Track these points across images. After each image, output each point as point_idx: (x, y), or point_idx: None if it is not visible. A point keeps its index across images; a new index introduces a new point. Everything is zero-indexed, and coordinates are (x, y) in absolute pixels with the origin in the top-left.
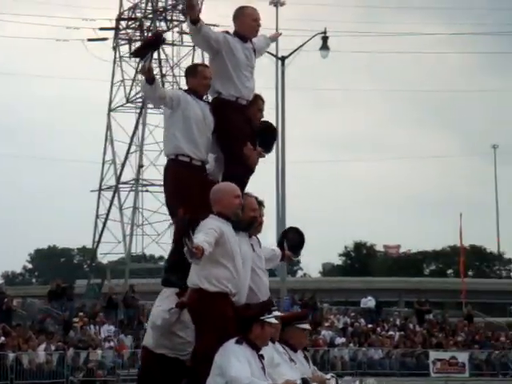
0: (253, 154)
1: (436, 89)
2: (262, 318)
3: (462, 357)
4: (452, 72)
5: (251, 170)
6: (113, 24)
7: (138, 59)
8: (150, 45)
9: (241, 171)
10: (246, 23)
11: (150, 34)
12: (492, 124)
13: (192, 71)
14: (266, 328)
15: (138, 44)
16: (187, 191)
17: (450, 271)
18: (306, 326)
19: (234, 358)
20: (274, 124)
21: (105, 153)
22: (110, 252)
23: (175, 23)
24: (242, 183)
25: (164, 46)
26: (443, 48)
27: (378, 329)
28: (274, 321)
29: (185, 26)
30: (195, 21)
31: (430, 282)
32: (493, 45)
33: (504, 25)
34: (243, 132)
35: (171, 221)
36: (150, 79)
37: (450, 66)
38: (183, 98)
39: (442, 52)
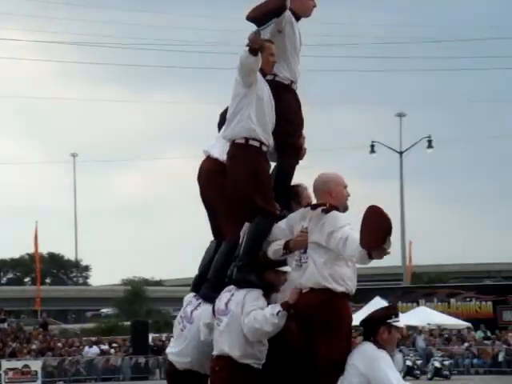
0: (304, 145)
1: (12, 95)
2: (388, 321)
3: (35, 365)
4: (30, 79)
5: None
6: None
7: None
8: (274, 12)
9: (295, 161)
10: (305, 2)
11: None
12: (72, 132)
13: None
14: (393, 332)
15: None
16: (266, 181)
17: (27, 279)
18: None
19: (388, 368)
20: None
21: None
22: None
23: None
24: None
25: None
26: (21, 54)
27: None
28: (400, 324)
29: None
30: (256, 52)
31: (7, 290)
32: (70, 54)
33: (81, 35)
34: (299, 119)
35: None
36: (257, 50)
37: (27, 73)
38: (258, 75)
39: (20, 58)
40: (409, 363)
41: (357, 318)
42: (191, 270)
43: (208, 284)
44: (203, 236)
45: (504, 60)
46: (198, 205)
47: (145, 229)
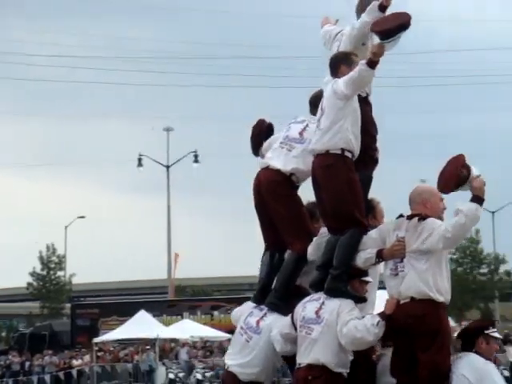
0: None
1: None
2: (486, 331)
3: None
4: None
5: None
6: None
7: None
8: (403, 27)
9: (372, 174)
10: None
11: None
12: None
13: (347, 59)
14: (491, 343)
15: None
16: (360, 193)
17: None
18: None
19: (500, 381)
20: None
21: None
22: None
23: None
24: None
25: None
26: None
27: None
28: (498, 335)
29: None
30: (375, 66)
31: None
32: None
33: None
34: (376, 132)
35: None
36: (375, 63)
37: None
38: None
39: None
40: (171, 376)
41: (121, 331)
42: None
43: (276, 294)
44: None
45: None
46: None
47: None
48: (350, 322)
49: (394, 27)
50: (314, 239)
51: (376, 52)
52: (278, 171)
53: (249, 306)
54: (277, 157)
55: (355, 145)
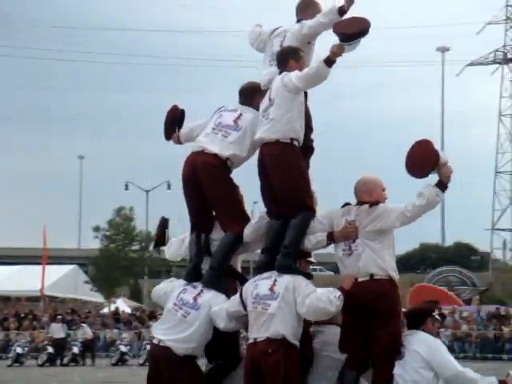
0: None
1: None
2: (433, 314)
3: None
4: None
5: None
6: None
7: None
8: (364, 33)
9: (309, 161)
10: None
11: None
12: None
13: (296, 54)
14: (435, 323)
15: None
16: (308, 179)
17: None
18: None
19: (449, 354)
20: None
21: None
22: None
23: None
24: None
25: None
26: None
27: None
28: (438, 318)
29: None
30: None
31: None
32: None
33: None
34: (311, 124)
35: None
36: (333, 62)
37: None
38: None
39: None
40: None
41: None
42: None
43: (212, 272)
44: None
45: None
46: None
47: None
48: (311, 294)
49: (356, 32)
50: (252, 222)
51: (336, 52)
52: (215, 155)
53: (177, 283)
54: (211, 141)
55: (301, 134)
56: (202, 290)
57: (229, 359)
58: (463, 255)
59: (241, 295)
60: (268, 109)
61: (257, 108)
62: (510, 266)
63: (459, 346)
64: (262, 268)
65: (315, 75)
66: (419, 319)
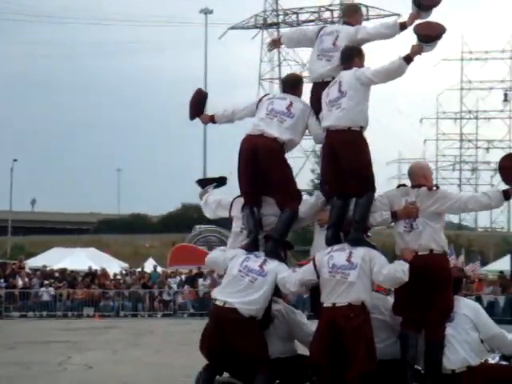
0: None
1: None
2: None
3: None
4: None
5: None
6: None
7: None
8: (441, 36)
9: None
10: None
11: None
12: None
13: (360, 53)
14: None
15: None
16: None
17: None
18: None
19: (487, 315)
20: None
21: None
22: None
23: None
24: None
25: None
26: None
27: None
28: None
29: None
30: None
31: None
32: None
33: None
34: None
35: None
36: (412, 61)
37: None
38: None
39: None
40: None
41: None
42: None
43: (275, 244)
44: None
45: None
46: None
47: None
48: (387, 265)
49: (435, 35)
50: (308, 200)
51: (416, 51)
52: (274, 139)
53: (236, 252)
54: (268, 126)
55: (368, 123)
56: (265, 260)
57: (264, 319)
58: None
59: (314, 265)
60: (339, 99)
61: (299, 96)
62: None
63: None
64: (331, 241)
65: (396, 71)
66: (457, 286)
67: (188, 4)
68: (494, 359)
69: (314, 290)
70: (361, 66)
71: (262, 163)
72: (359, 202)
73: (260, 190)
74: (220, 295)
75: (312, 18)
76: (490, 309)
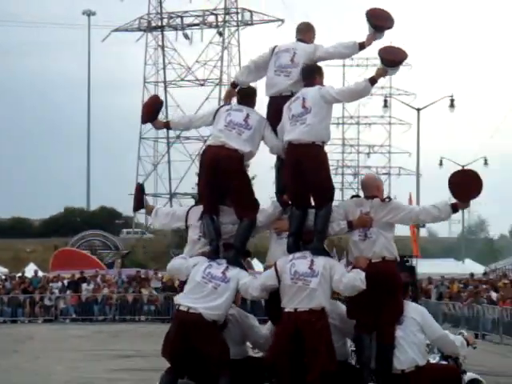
0: None
1: None
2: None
3: None
4: None
5: None
6: None
7: None
8: (403, 61)
9: None
10: None
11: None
12: None
13: (320, 71)
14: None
15: None
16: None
17: None
18: None
19: (432, 318)
20: None
21: None
22: None
23: None
24: None
25: None
26: None
27: None
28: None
29: None
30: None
31: None
32: None
33: None
34: None
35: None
36: (375, 83)
37: None
38: None
39: None
40: None
41: None
42: None
43: (236, 252)
44: None
45: None
46: None
47: None
48: (347, 274)
49: (399, 60)
50: (266, 211)
51: (380, 74)
52: (235, 151)
53: (198, 259)
54: (228, 137)
55: (329, 138)
56: (227, 267)
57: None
58: (107, 219)
59: (276, 271)
60: (303, 115)
61: (253, 107)
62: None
63: (99, 309)
64: (291, 249)
65: (360, 92)
66: (405, 291)
67: (71, 4)
68: (434, 359)
69: (270, 295)
70: (321, 83)
71: (224, 174)
72: (320, 213)
73: (219, 200)
74: (184, 301)
75: (196, 21)
76: None
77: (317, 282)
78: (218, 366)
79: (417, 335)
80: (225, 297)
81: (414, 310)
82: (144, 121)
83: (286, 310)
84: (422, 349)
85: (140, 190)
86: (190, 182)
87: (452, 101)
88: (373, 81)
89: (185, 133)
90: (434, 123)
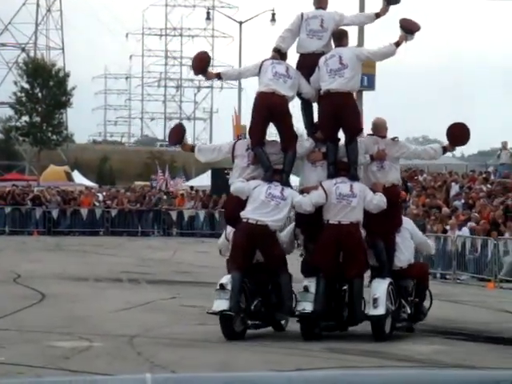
0: None
1: None
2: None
3: None
4: None
5: None
6: None
7: None
8: (418, 30)
9: None
10: None
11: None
12: None
13: (347, 35)
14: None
15: None
16: None
17: None
18: None
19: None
20: None
21: None
22: None
23: None
24: None
25: None
26: None
27: None
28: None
29: None
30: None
31: None
32: None
33: None
34: None
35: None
36: (400, 45)
37: None
38: None
39: None
40: None
41: None
42: None
43: (287, 177)
44: None
45: None
46: None
47: None
48: (375, 197)
49: (415, 30)
50: (301, 143)
51: (402, 39)
52: (283, 96)
53: (258, 182)
54: (277, 85)
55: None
56: (282, 188)
57: None
58: None
59: (324, 191)
60: (341, 70)
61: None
62: None
63: None
64: (332, 175)
65: (389, 54)
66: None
67: None
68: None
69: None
70: (347, 44)
71: (277, 116)
72: (351, 146)
73: (266, 135)
74: (252, 215)
75: None
76: (191, 222)
77: (356, 201)
78: (279, 264)
79: (410, 240)
80: (285, 211)
81: (406, 222)
82: (197, 73)
83: (331, 222)
84: (412, 251)
85: (181, 129)
86: (6, 91)
87: (273, 15)
88: (397, 44)
89: (1, 39)
90: (256, 36)
